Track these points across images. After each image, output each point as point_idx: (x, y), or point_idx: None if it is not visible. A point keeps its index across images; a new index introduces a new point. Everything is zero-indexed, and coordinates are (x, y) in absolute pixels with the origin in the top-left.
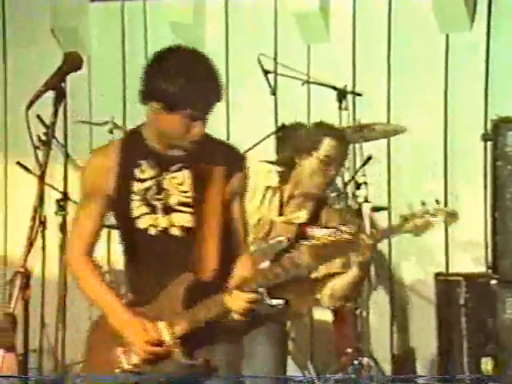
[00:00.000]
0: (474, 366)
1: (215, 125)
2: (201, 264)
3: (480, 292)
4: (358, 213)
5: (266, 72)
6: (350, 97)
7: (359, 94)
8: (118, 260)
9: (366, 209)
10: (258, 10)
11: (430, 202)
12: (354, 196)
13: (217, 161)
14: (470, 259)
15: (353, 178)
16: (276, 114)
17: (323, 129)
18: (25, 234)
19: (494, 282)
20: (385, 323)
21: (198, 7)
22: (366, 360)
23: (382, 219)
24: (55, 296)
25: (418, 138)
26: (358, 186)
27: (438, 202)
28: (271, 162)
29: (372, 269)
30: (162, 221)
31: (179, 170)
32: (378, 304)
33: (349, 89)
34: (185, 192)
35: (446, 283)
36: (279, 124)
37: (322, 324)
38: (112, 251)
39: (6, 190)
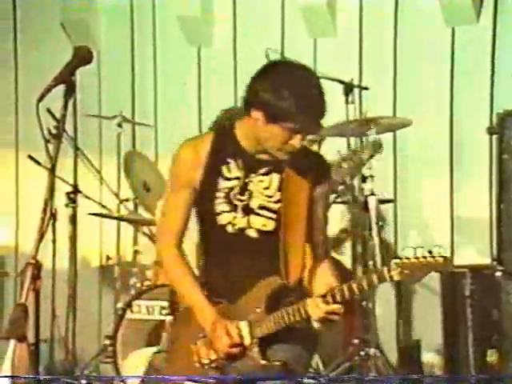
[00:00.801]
0: (479, 357)
1: None
2: (287, 269)
3: (485, 283)
4: (365, 206)
5: None
6: (356, 90)
7: (365, 88)
8: (128, 253)
9: (372, 201)
10: (266, 4)
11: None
12: (361, 189)
13: (305, 168)
14: (476, 251)
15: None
16: None
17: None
18: (36, 226)
19: (498, 273)
20: (391, 314)
21: (205, 2)
22: (372, 351)
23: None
24: (65, 287)
25: (423, 131)
26: (363, 180)
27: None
28: None
29: (378, 260)
30: (241, 221)
31: (267, 173)
32: (385, 295)
33: (355, 83)
34: (269, 196)
35: (451, 275)
36: None
37: None
38: (121, 243)
39: (18, 184)
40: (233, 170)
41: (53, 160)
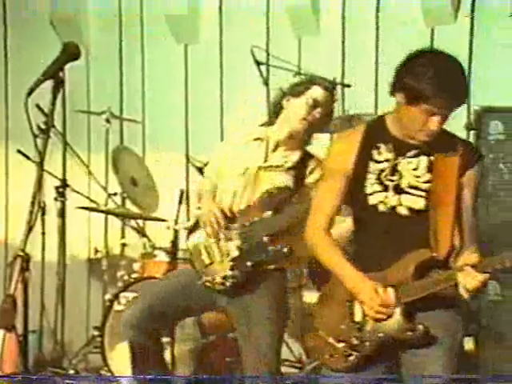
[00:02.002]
0: None
1: (210, 113)
2: (436, 243)
3: None
4: None
5: (258, 63)
6: (339, 88)
7: (348, 86)
8: (116, 246)
9: None
10: (251, 3)
11: None
12: None
13: (455, 154)
14: None
15: None
16: (268, 103)
17: (314, 78)
18: (25, 219)
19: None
20: None
21: (192, 1)
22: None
23: None
24: (54, 279)
25: None
26: None
27: None
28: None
29: None
30: (392, 200)
31: (416, 156)
32: None
33: (338, 80)
34: (417, 177)
35: None
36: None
37: (311, 306)
38: (109, 236)
39: (8, 178)
40: (383, 153)
41: (41, 154)
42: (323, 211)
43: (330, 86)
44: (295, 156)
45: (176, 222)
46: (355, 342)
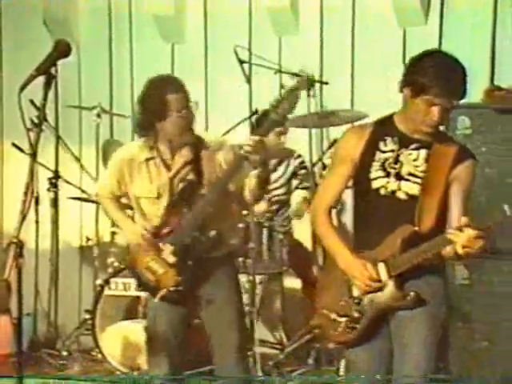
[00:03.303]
0: None
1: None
2: (419, 221)
3: None
4: None
5: (241, 62)
6: (317, 85)
7: (326, 83)
8: (106, 234)
9: None
10: (234, 5)
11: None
12: (321, 176)
13: (451, 149)
14: None
15: (320, 159)
16: (250, 100)
17: (162, 86)
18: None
19: None
20: None
21: (178, 2)
22: None
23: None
24: (48, 266)
25: None
26: (324, 167)
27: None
28: None
29: None
30: (393, 185)
31: (417, 148)
32: None
33: (316, 78)
34: (416, 166)
35: None
36: (253, 109)
37: (291, 291)
38: (100, 225)
39: (3, 169)
40: (389, 144)
41: (33, 147)
42: (327, 194)
43: (173, 83)
44: (190, 153)
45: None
46: (356, 315)
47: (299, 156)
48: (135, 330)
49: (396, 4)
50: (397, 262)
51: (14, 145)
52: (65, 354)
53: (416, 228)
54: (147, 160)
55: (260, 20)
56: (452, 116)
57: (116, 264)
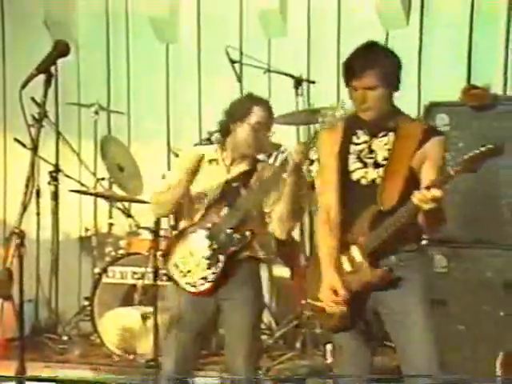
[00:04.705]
0: None
1: (189, 105)
2: (381, 199)
3: None
4: (312, 186)
5: (232, 62)
6: (305, 84)
7: (313, 82)
8: (104, 225)
9: (318, 182)
10: (226, 7)
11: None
12: (309, 171)
13: (416, 130)
14: None
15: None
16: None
17: (253, 98)
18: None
19: (425, 242)
20: None
21: (173, 4)
22: None
23: None
24: (49, 255)
25: None
26: (311, 162)
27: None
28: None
29: None
30: (372, 174)
31: (385, 135)
32: None
33: (304, 77)
34: (389, 150)
35: None
36: None
37: (280, 280)
38: (98, 217)
39: (6, 164)
40: (361, 136)
41: (34, 142)
42: (322, 205)
43: (266, 103)
44: (249, 165)
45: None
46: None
47: (285, 150)
48: (131, 316)
49: (379, 7)
50: (367, 242)
51: (16, 140)
52: (65, 338)
53: (381, 207)
54: (210, 161)
55: (250, 22)
56: (431, 113)
57: (113, 253)
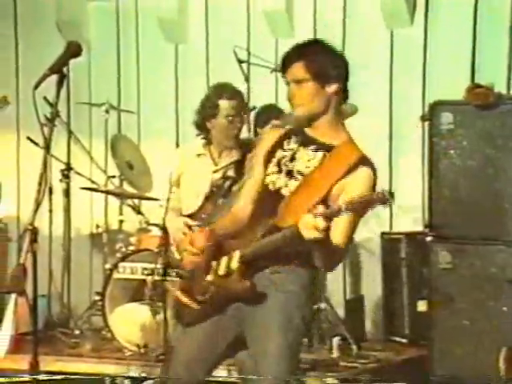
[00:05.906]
0: (412, 307)
1: (197, 104)
2: (283, 213)
3: (418, 247)
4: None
5: (240, 61)
6: None
7: None
8: (114, 222)
9: None
10: (234, 8)
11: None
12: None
13: (349, 158)
14: (411, 220)
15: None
16: (249, 97)
17: (217, 91)
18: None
19: (429, 238)
20: (339, 274)
21: (181, 5)
22: (323, 305)
23: None
24: (61, 251)
25: (367, 118)
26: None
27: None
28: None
29: None
30: (281, 181)
31: (316, 150)
32: None
33: None
34: (308, 167)
35: (389, 240)
36: (251, 106)
37: None
38: (109, 214)
39: (19, 162)
40: (291, 143)
41: (47, 141)
42: (239, 200)
43: (233, 91)
44: (237, 154)
45: (168, 201)
46: (200, 298)
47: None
48: (141, 311)
49: (383, 6)
50: (247, 250)
51: (28, 139)
52: (77, 332)
53: (275, 224)
54: (198, 155)
55: (257, 22)
56: (436, 112)
57: (123, 250)
